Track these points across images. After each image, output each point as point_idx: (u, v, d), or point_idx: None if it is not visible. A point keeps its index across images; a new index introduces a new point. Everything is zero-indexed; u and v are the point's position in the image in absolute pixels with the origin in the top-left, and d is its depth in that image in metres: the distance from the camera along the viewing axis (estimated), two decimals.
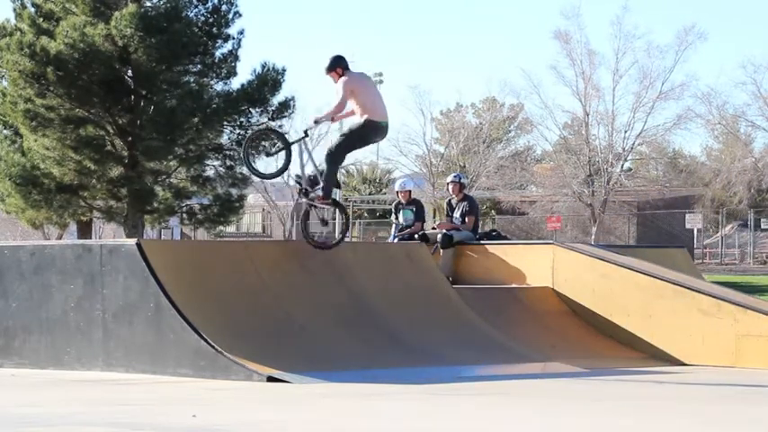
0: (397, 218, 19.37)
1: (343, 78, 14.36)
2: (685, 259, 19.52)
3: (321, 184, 14.58)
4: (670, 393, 12.54)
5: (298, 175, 14.94)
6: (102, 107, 37.69)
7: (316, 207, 14.79)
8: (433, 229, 19.46)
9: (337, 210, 15.34)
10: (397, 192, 19.65)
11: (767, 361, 15.41)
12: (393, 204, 19.78)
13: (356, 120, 14.44)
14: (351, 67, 14.56)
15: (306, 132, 14.78)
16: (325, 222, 14.87)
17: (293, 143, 14.76)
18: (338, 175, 15.00)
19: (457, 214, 18.98)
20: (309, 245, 14.93)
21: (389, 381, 12.92)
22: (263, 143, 13.37)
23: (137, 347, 13.70)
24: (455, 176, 19.56)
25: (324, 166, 14.70)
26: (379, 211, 72.66)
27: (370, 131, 14.44)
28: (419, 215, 19.26)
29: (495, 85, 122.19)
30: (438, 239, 18.43)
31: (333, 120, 14.74)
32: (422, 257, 16.78)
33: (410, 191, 19.65)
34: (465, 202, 19.06)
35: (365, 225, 70.04)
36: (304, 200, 14.76)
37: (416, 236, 18.64)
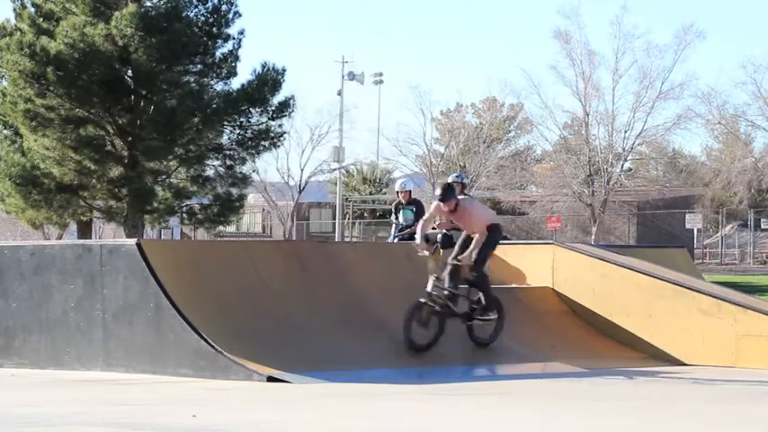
0: (396, 218, 19.37)
1: (470, 205, 15.39)
2: (685, 259, 19.51)
3: (484, 303, 15.15)
4: (670, 393, 12.54)
5: (436, 305, 14.91)
6: (102, 107, 37.66)
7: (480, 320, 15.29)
8: (434, 229, 19.44)
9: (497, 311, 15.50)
10: (398, 192, 19.66)
11: (767, 361, 15.41)
12: (393, 204, 19.79)
13: (477, 230, 15.20)
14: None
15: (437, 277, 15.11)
16: (489, 323, 15.27)
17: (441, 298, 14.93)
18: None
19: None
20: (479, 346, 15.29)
21: (389, 381, 12.93)
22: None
23: (137, 347, 13.70)
24: (457, 177, 19.57)
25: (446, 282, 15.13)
26: (379, 211, 72.67)
27: (497, 233, 15.33)
28: (419, 215, 19.26)
29: (495, 85, 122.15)
30: (438, 239, 18.44)
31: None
32: (422, 257, 16.75)
33: (410, 191, 19.66)
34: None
35: (365, 225, 70.04)
36: (464, 322, 15.21)
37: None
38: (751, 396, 12.42)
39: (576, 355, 15.67)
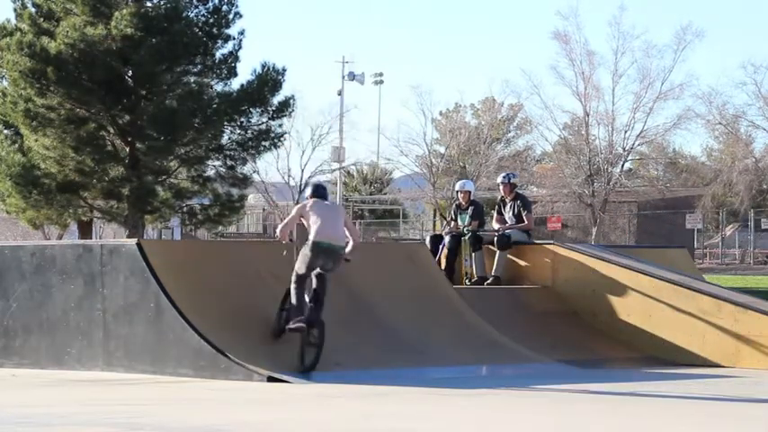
0: (455, 220, 18.71)
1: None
2: (685, 259, 19.51)
3: None
4: (670, 394, 12.55)
5: None
6: (103, 107, 37.66)
7: None
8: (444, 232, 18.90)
9: None
10: (457, 192, 19.08)
11: (767, 361, 15.42)
12: (453, 207, 19.05)
13: None
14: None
15: None
16: None
17: None
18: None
19: (510, 213, 18.49)
20: None
21: (389, 381, 12.93)
22: None
23: (137, 347, 13.71)
24: (504, 177, 18.95)
25: None
26: (380, 211, 72.65)
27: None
28: (477, 215, 18.63)
29: (496, 85, 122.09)
30: (495, 241, 18.06)
31: None
32: (422, 258, 16.78)
33: (470, 192, 18.92)
34: (517, 201, 18.59)
35: (365, 225, 70.04)
36: None
37: (466, 237, 18.18)
38: (751, 396, 12.43)
39: (576, 355, 15.68)
